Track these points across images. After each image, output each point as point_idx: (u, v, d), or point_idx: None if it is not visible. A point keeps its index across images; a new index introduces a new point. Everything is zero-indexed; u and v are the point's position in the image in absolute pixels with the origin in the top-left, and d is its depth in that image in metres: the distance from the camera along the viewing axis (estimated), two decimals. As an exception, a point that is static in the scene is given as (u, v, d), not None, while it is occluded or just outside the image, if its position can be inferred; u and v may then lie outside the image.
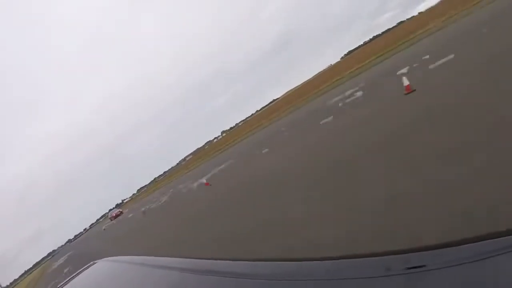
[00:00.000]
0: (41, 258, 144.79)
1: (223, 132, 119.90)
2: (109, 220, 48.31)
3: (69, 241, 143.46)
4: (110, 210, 68.30)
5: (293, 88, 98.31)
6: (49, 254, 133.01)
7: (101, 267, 1.70)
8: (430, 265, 0.45)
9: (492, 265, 0.40)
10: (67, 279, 1.80)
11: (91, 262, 1.84)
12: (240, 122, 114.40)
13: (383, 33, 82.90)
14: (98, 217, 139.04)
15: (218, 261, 0.93)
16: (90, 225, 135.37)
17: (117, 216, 45.94)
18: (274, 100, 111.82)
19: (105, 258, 1.81)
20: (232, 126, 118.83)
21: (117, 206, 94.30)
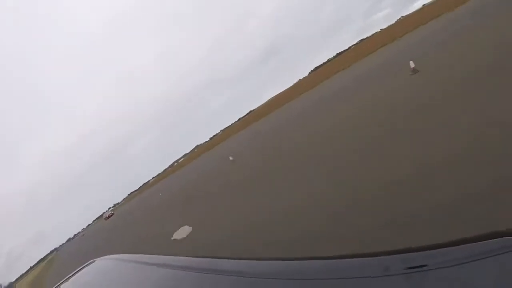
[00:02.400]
0: (44, 255, 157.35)
1: (197, 146, 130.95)
2: (104, 220, 58.39)
3: (69, 239, 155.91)
4: (105, 211, 78.08)
5: (263, 104, 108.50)
6: (51, 252, 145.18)
7: (99, 265, 1.68)
8: (430, 265, 0.45)
9: (492, 265, 0.40)
10: (65, 278, 1.76)
11: (90, 261, 1.82)
12: (219, 132, 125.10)
13: (344, 50, 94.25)
14: (94, 218, 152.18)
15: (217, 259, 0.94)
16: (87, 225, 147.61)
17: (109, 216, 54.95)
18: (250, 111, 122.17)
19: (103, 257, 1.80)
20: (209, 139, 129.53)
21: (109, 209, 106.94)
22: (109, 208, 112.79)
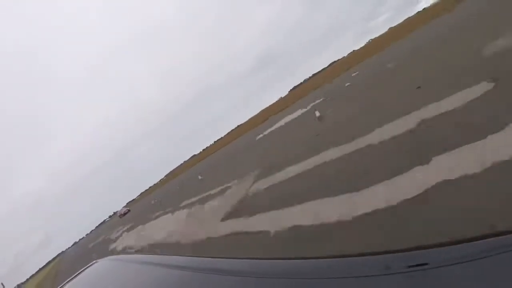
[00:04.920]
0: (52, 257, 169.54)
1: (193, 155, 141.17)
2: (119, 217, 55.08)
3: (75, 243, 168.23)
4: (120, 209, 71.31)
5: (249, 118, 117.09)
6: (58, 255, 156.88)
7: (102, 266, 1.68)
8: (431, 263, 0.45)
9: (495, 263, 0.40)
10: (69, 279, 1.76)
11: (93, 262, 1.83)
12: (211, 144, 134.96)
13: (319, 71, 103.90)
14: (97, 224, 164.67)
15: (218, 259, 0.94)
16: (90, 231, 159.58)
17: (125, 213, 51.16)
18: (238, 125, 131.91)
19: (106, 257, 1.81)
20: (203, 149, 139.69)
21: (110, 217, 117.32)
22: (109, 216, 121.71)
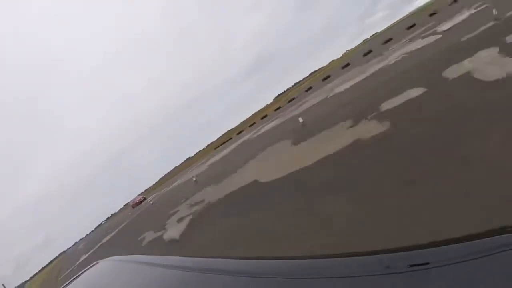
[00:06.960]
0: (53, 257, 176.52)
1: (187, 158, 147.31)
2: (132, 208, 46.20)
3: (75, 243, 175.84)
4: (134, 197, 58.85)
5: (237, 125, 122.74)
6: (60, 254, 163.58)
7: (104, 266, 1.69)
8: (433, 262, 0.45)
9: (496, 262, 0.40)
10: (70, 279, 1.76)
11: (94, 262, 1.84)
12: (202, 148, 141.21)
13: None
14: (95, 226, 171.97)
15: (221, 259, 0.95)
16: (90, 232, 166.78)
17: (140, 202, 43.45)
18: (228, 130, 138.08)
19: (108, 258, 1.82)
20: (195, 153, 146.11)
21: (108, 219, 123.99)
22: (107, 218, 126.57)
